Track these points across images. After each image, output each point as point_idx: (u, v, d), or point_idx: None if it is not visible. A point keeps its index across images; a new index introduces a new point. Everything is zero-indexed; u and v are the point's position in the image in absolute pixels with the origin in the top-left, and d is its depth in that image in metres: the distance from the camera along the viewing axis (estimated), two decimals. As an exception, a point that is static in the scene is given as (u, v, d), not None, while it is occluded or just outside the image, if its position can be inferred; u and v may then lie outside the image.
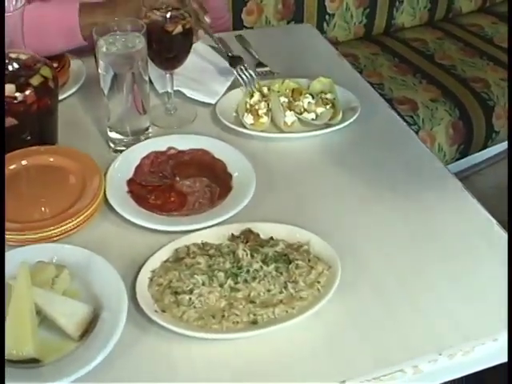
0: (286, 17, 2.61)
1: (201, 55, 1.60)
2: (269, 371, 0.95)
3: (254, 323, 0.98)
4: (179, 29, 1.32)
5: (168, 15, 1.32)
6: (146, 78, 1.30)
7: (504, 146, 2.85)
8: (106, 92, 1.29)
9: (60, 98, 1.39)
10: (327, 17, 2.70)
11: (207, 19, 1.42)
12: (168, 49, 1.36)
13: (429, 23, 2.99)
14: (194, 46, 1.42)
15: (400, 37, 2.87)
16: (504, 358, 1.02)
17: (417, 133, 2.35)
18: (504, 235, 1.18)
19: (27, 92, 1.23)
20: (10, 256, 1.03)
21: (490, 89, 2.56)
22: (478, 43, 2.85)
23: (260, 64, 1.65)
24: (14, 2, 1.20)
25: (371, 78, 2.53)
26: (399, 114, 2.32)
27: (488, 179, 2.99)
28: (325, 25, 2.71)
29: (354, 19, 2.77)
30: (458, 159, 2.55)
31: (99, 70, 1.27)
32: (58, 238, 1.13)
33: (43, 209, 1.19)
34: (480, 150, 2.63)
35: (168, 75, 1.41)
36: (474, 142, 2.53)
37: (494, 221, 1.21)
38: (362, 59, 2.68)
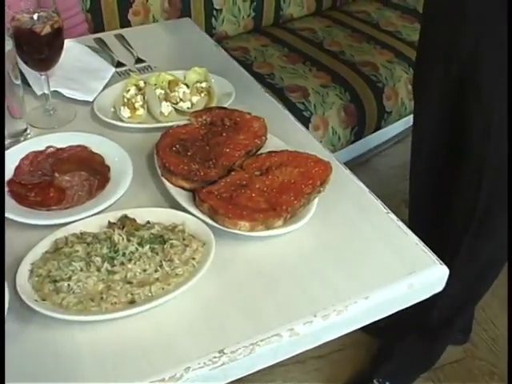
0: (174, 15, 2.63)
1: (77, 55, 1.62)
2: (150, 347, 0.98)
3: (132, 302, 1.01)
4: (48, 29, 1.34)
5: (35, 16, 1.34)
6: (18, 82, 1.32)
7: (399, 127, 2.97)
8: (-22, 96, 1.30)
9: None
10: (215, 12, 2.74)
11: None
12: (38, 50, 1.37)
13: (317, 12, 3.07)
14: (69, 46, 1.43)
15: (289, 27, 2.94)
16: (378, 315, 1.09)
17: (309, 118, 2.42)
18: (377, 203, 1.24)
19: None
20: None
21: (379, 71, 2.66)
22: (364, 29, 2.95)
23: (139, 60, 1.68)
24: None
25: (262, 69, 2.60)
26: (289, 100, 2.40)
27: (388, 160, 3.11)
28: (213, 20, 2.75)
29: (242, 13, 2.82)
30: (353, 142, 2.63)
31: (-32, 75, 1.28)
32: None
33: None
34: (375, 131, 2.71)
35: (43, 77, 1.42)
36: (367, 124, 2.61)
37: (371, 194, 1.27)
38: (253, 51, 2.73)
